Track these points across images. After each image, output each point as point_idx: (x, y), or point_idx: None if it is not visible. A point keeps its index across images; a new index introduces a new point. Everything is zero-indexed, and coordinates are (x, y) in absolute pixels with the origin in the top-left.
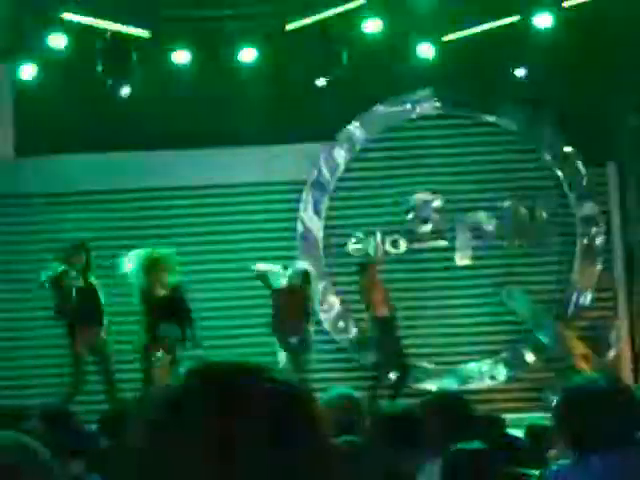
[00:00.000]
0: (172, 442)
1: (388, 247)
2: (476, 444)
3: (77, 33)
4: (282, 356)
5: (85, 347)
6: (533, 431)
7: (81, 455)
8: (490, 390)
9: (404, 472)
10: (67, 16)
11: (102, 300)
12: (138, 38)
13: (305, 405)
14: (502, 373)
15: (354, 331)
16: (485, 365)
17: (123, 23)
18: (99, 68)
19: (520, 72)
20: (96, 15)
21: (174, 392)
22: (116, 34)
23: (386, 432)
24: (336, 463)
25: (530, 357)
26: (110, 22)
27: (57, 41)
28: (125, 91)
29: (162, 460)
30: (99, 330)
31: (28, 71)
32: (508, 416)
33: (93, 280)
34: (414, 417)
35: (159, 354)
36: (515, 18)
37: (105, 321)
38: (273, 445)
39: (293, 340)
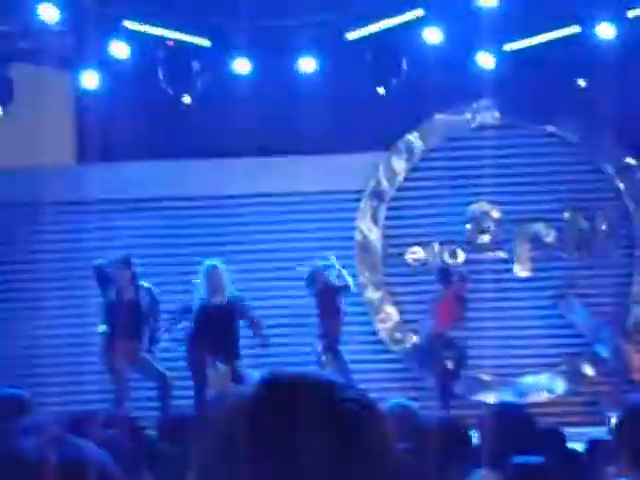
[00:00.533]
0: (242, 453)
1: (446, 258)
2: (536, 459)
3: (139, 42)
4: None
5: (124, 362)
6: (593, 446)
7: (143, 461)
8: (548, 403)
9: None
10: (129, 25)
11: (147, 315)
12: (199, 47)
13: (375, 419)
14: (560, 386)
15: (411, 342)
16: (543, 378)
17: (184, 32)
18: (160, 76)
19: (581, 82)
20: (158, 24)
21: (244, 403)
22: (177, 43)
23: (436, 444)
24: (401, 478)
25: (589, 370)
26: (171, 31)
27: (119, 50)
28: (186, 99)
29: (230, 471)
30: (139, 346)
31: (90, 79)
32: (566, 430)
33: (139, 294)
34: (464, 429)
35: (218, 365)
36: (577, 28)
37: (149, 335)
38: (342, 459)
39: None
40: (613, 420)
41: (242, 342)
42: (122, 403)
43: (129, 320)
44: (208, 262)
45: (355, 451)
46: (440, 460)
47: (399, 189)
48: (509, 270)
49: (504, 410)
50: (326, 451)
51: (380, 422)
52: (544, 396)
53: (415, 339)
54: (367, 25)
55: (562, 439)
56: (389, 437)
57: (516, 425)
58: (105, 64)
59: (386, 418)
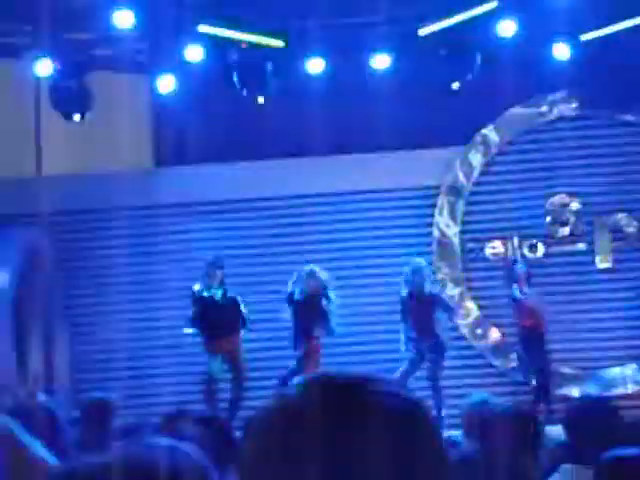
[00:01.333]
0: (290, 452)
1: (526, 251)
2: (632, 451)
3: (213, 45)
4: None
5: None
6: None
7: (233, 460)
8: (634, 396)
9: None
10: (203, 29)
11: (242, 312)
12: (272, 48)
13: (422, 420)
14: None
15: (492, 337)
16: (628, 370)
17: (258, 34)
18: (235, 79)
19: None
20: (231, 27)
21: (292, 403)
22: (251, 45)
23: (506, 434)
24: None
25: None
26: (245, 33)
27: (194, 53)
28: (260, 100)
29: (279, 470)
30: (236, 340)
31: (166, 84)
32: None
33: (231, 293)
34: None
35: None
36: None
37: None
38: (390, 460)
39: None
40: None
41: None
42: (213, 403)
43: (224, 319)
44: (308, 267)
45: (401, 449)
46: (510, 449)
47: (476, 184)
48: (590, 262)
49: (589, 404)
50: (375, 451)
51: (426, 420)
52: (630, 388)
53: (496, 334)
54: (440, 20)
55: None
56: (435, 435)
57: (602, 419)
58: (180, 68)
59: (432, 416)
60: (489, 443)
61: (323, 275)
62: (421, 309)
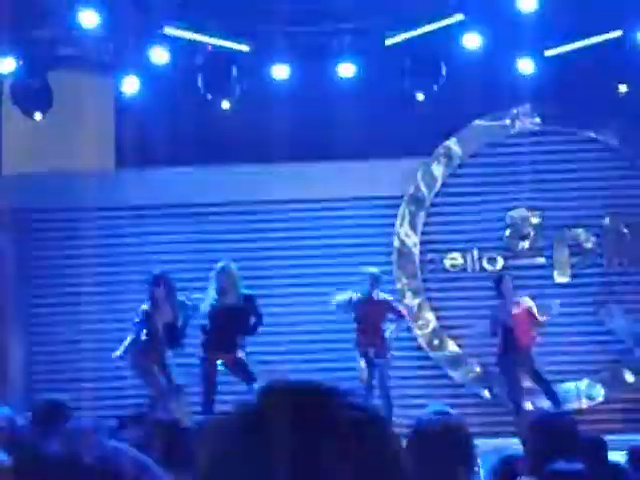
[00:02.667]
0: (244, 459)
1: (485, 264)
2: (577, 465)
3: (178, 48)
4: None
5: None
6: (635, 454)
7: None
8: (587, 410)
9: None
10: (168, 31)
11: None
12: (238, 53)
13: (377, 426)
14: (600, 393)
15: (450, 348)
16: (583, 385)
17: (223, 38)
18: (199, 82)
19: (622, 87)
20: (197, 30)
21: (248, 410)
22: (216, 48)
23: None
24: None
25: (630, 377)
26: (210, 37)
27: (158, 56)
28: (225, 105)
29: (234, 475)
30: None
31: (130, 85)
32: (606, 437)
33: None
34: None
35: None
36: (617, 33)
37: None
38: (343, 463)
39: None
40: None
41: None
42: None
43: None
44: (220, 263)
45: (354, 457)
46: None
47: (438, 195)
48: (549, 276)
49: (546, 418)
50: (325, 458)
51: (381, 426)
52: (584, 403)
53: (453, 346)
54: (406, 30)
55: (604, 447)
56: (390, 442)
57: (558, 433)
58: (145, 70)
59: (387, 423)
60: (424, 456)
61: (235, 271)
62: (372, 313)
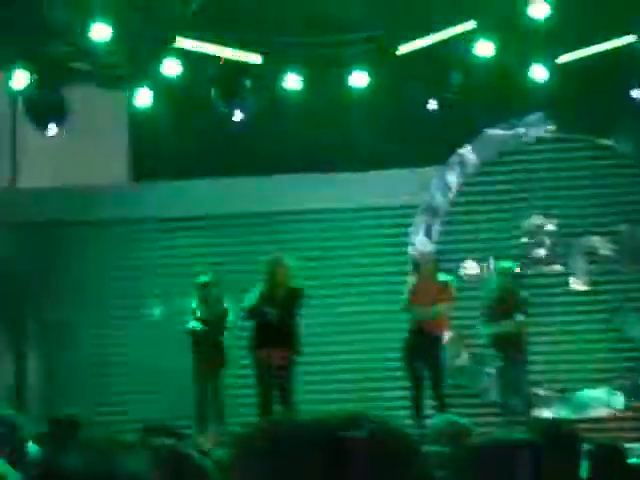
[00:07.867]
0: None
1: None
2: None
3: (191, 60)
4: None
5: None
6: None
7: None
8: (606, 419)
9: None
10: (181, 43)
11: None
12: (251, 64)
13: (405, 456)
14: (619, 401)
15: (464, 357)
16: (601, 393)
17: (236, 49)
18: (212, 94)
19: (636, 94)
20: (209, 42)
21: (282, 434)
22: (229, 60)
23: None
24: None
25: None
26: (223, 48)
27: (171, 68)
28: (238, 116)
29: None
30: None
31: (143, 98)
32: (625, 446)
33: None
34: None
35: None
36: (631, 38)
37: None
38: None
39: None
40: None
41: None
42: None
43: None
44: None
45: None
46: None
47: (452, 203)
48: (565, 284)
49: (551, 427)
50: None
51: (410, 456)
52: (603, 411)
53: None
54: (419, 39)
55: (623, 455)
56: (415, 463)
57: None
58: (158, 82)
59: (418, 450)
60: None
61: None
62: None
